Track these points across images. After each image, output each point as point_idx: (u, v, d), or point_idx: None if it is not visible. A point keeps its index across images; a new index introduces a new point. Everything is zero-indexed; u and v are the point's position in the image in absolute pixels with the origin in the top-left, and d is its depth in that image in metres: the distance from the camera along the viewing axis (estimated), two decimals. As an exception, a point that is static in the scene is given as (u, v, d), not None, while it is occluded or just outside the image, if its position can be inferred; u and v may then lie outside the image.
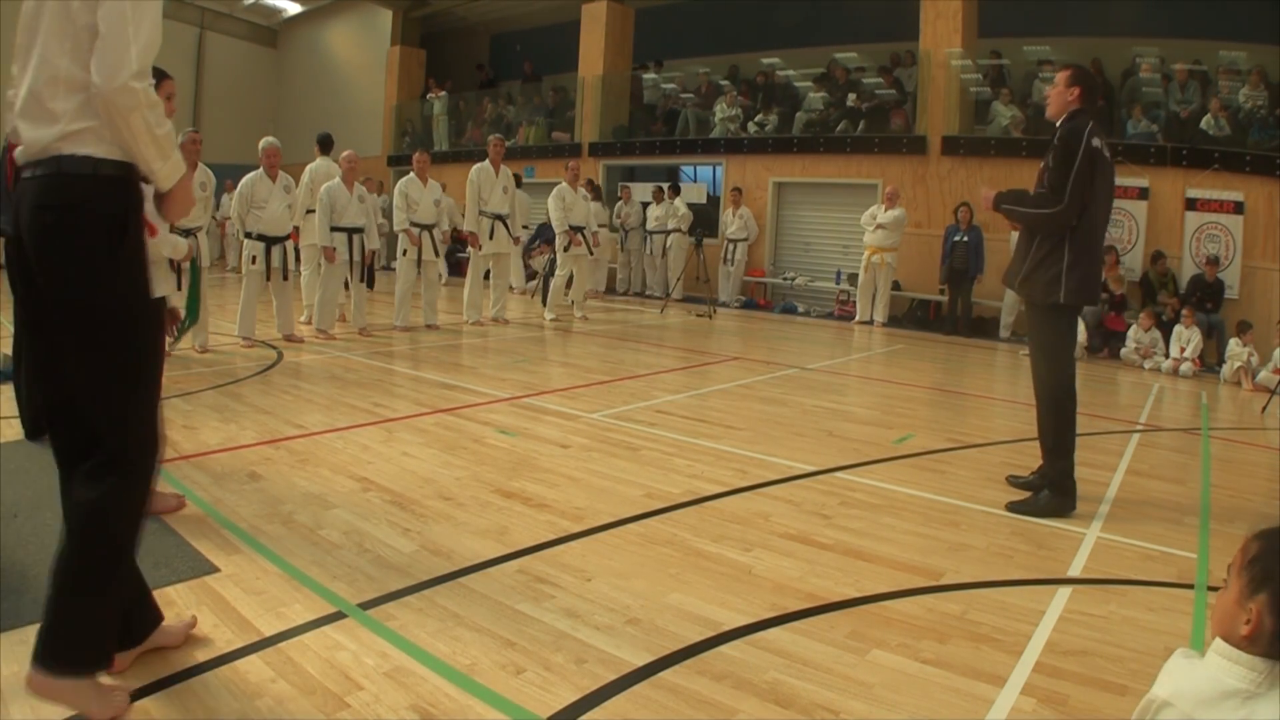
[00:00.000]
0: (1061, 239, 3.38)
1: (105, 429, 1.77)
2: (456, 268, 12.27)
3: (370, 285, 7.40)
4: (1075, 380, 3.54)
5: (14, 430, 3.76)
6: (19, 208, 1.78)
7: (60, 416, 1.83)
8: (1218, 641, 1.10)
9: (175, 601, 2.23)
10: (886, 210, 9.81)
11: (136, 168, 1.79)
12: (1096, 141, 3.34)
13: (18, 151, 1.82)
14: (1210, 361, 8.07)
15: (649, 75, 13.64)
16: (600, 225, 10.53)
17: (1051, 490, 3.46)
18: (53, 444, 1.88)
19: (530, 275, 12.13)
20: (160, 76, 2.98)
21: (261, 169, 6.37)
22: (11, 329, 3.97)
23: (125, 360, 1.78)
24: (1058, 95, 3.50)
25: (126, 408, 1.79)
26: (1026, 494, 3.52)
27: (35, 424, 3.69)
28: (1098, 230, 3.48)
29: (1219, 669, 1.07)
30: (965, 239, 9.39)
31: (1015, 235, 3.83)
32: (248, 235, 6.43)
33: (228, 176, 10.14)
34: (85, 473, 1.77)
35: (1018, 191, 3.58)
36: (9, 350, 5.06)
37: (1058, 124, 3.47)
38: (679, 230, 11.71)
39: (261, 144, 6.43)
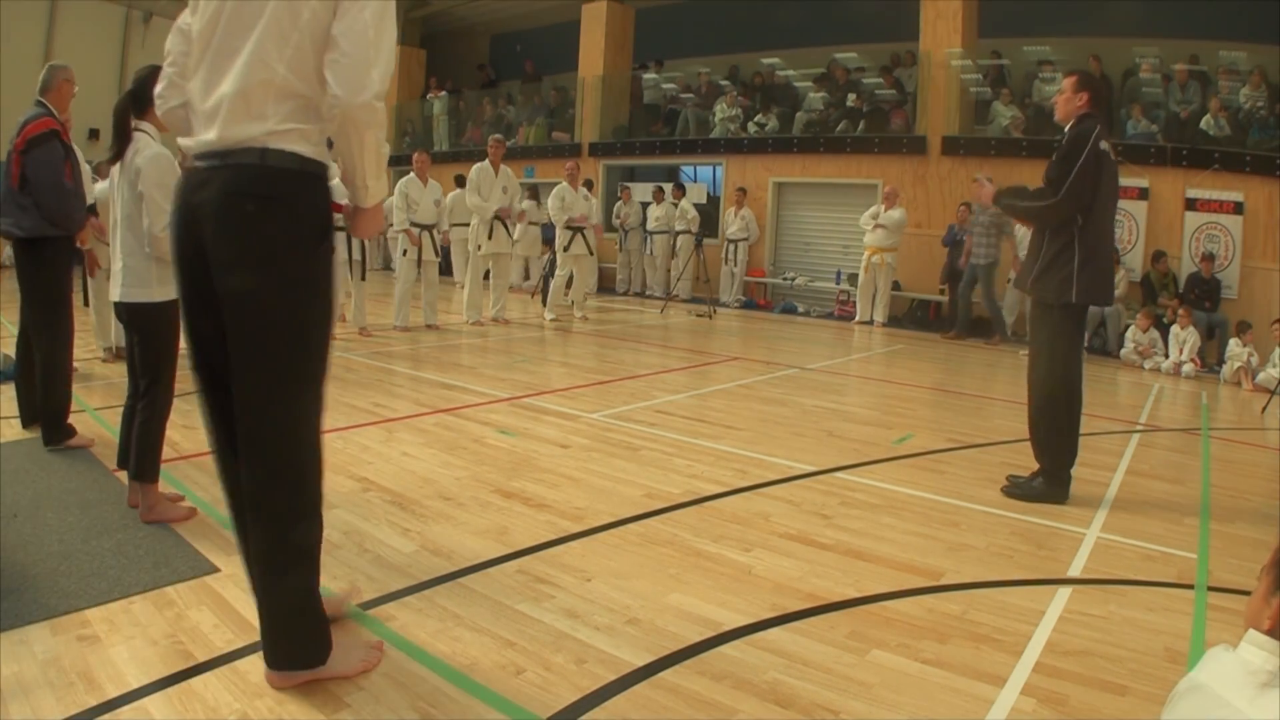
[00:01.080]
0: (1071, 239, 3.42)
1: (273, 428, 1.76)
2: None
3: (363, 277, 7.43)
4: (1082, 380, 3.56)
5: (14, 430, 3.76)
6: (195, 196, 1.74)
7: (230, 416, 1.82)
8: (1249, 630, 1.15)
9: (175, 601, 2.23)
10: (887, 210, 9.81)
11: (328, 171, 1.80)
12: (1104, 144, 3.40)
13: (190, 141, 1.79)
14: (1210, 362, 8.07)
15: (649, 75, 13.63)
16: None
17: (1046, 480, 3.52)
18: (227, 448, 1.88)
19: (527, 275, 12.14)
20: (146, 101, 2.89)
21: None
22: (12, 329, 3.96)
23: (303, 358, 1.77)
24: (1065, 101, 3.55)
25: (297, 407, 1.78)
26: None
27: (54, 426, 3.61)
28: (1106, 230, 3.54)
29: (1247, 653, 1.13)
30: (963, 239, 9.37)
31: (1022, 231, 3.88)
32: None
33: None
34: (253, 473, 1.78)
35: (1017, 187, 3.62)
36: (9, 350, 5.06)
37: (1066, 128, 3.52)
38: (688, 232, 11.56)
39: None
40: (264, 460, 1.77)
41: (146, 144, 2.81)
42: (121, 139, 2.82)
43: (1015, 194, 3.59)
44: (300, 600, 1.84)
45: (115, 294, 2.84)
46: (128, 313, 2.84)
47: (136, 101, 2.85)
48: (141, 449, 2.82)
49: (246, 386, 1.76)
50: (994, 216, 8.92)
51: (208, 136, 1.74)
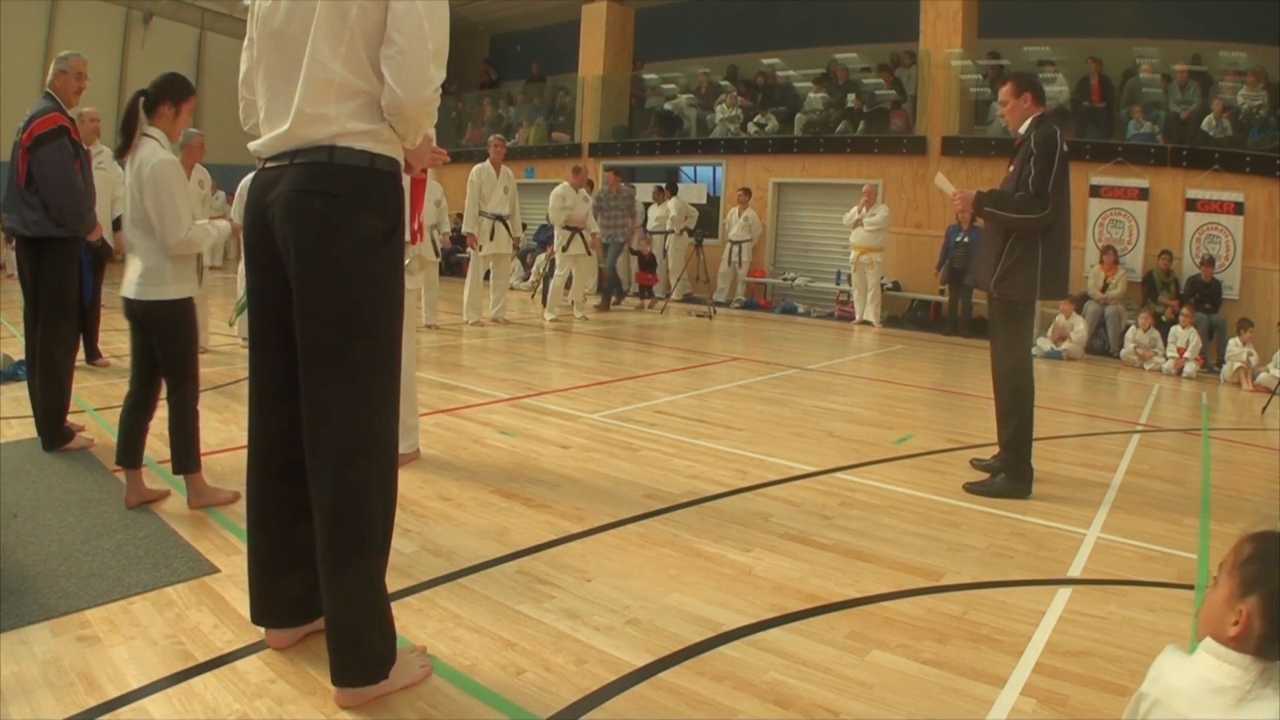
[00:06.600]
0: (1035, 239, 3.50)
1: (339, 422, 1.74)
2: (456, 268, 12.26)
3: None
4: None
5: (14, 430, 3.77)
6: (266, 195, 1.75)
7: (293, 412, 1.80)
8: (1208, 640, 1.10)
9: (175, 602, 2.23)
10: (869, 210, 9.78)
11: (403, 166, 1.82)
12: (1065, 145, 3.49)
13: (259, 144, 1.80)
14: (1210, 362, 8.07)
15: (650, 75, 13.62)
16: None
17: (1008, 474, 3.60)
18: (268, 448, 1.87)
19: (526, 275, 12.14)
20: (187, 93, 2.95)
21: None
22: (13, 330, 3.94)
23: (372, 352, 1.77)
24: (1013, 109, 3.60)
25: (366, 401, 1.76)
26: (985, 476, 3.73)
27: (51, 429, 3.53)
28: (1066, 226, 3.61)
29: (1209, 668, 1.06)
30: (966, 239, 9.38)
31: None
32: None
33: (229, 176, 10.12)
34: (333, 462, 1.74)
35: (997, 192, 3.62)
36: (9, 350, 5.06)
37: (1022, 130, 3.57)
38: (672, 231, 11.69)
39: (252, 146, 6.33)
40: (334, 453, 1.74)
41: (153, 151, 2.80)
42: (127, 137, 2.81)
43: (998, 202, 3.56)
44: (369, 602, 1.79)
45: (129, 291, 2.85)
46: (144, 311, 2.86)
47: (149, 104, 2.84)
48: (180, 443, 2.91)
49: (316, 382, 1.75)
50: (625, 199, 9.95)
51: (276, 138, 1.75)
